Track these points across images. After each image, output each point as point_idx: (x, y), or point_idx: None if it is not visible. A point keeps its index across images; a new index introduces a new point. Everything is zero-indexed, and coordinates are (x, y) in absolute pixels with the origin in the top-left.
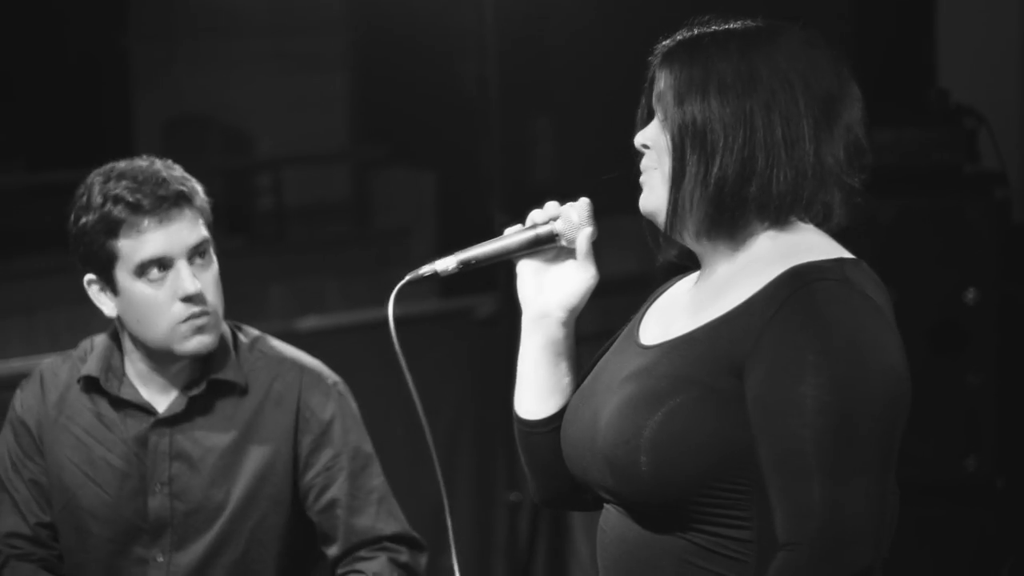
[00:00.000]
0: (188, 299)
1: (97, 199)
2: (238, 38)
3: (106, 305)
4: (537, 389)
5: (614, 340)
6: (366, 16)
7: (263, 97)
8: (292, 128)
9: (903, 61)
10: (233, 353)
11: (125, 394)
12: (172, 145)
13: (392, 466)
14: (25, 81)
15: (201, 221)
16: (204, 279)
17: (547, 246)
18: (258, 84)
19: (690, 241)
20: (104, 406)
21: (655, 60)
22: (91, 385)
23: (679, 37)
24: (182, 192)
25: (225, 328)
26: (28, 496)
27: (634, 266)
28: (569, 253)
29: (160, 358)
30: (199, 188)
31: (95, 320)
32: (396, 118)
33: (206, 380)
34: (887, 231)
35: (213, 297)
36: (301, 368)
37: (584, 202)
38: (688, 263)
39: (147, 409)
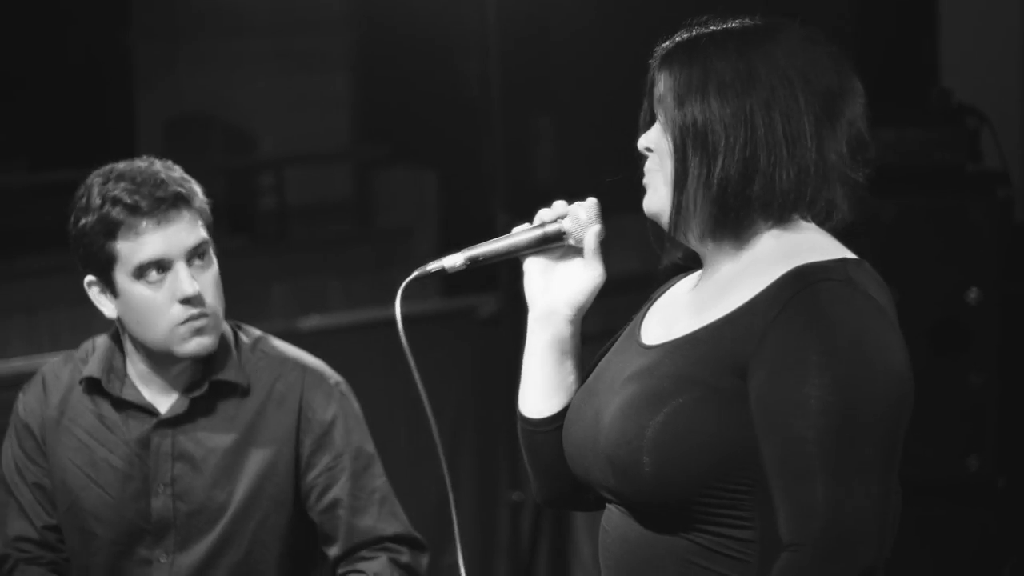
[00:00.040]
0: (187, 301)
1: (96, 200)
2: (240, 38)
3: (106, 307)
4: (542, 387)
5: (616, 339)
6: (368, 15)
7: (265, 96)
8: (294, 127)
9: (905, 60)
10: (235, 353)
11: (127, 395)
12: (174, 145)
13: (394, 465)
14: (27, 80)
15: (200, 222)
16: (203, 280)
17: (555, 245)
18: (260, 84)
19: (694, 242)
20: (106, 407)
21: (654, 63)
22: (93, 386)
23: (677, 39)
24: (180, 194)
25: (226, 328)
26: (32, 500)
27: (636, 266)
28: (577, 252)
29: (161, 359)
30: (198, 189)
31: (96, 320)
32: (398, 117)
33: (208, 381)
34: (889, 231)
35: (212, 298)
36: (303, 368)
37: (592, 201)
38: (692, 264)
39: (149, 410)
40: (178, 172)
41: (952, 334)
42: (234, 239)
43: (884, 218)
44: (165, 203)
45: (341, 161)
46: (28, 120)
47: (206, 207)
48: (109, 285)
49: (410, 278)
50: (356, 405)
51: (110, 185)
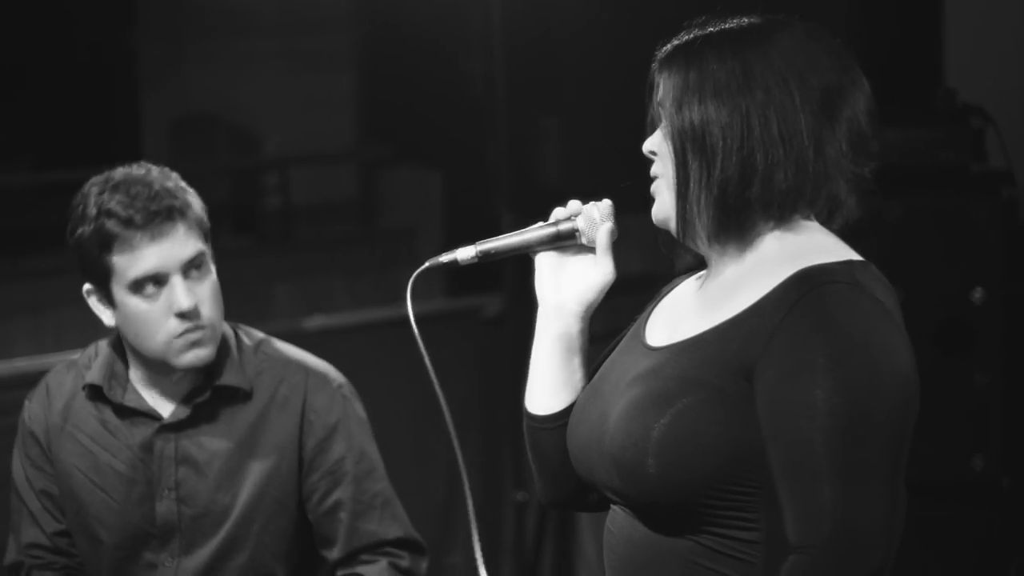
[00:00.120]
0: (183, 315)
1: (91, 210)
2: (245, 38)
3: (105, 315)
4: (548, 383)
5: (620, 340)
6: (373, 15)
7: (270, 96)
8: (299, 127)
9: (910, 60)
10: (236, 357)
11: (129, 401)
12: (179, 144)
13: (399, 465)
14: (33, 80)
15: (196, 233)
16: (200, 292)
17: (567, 242)
18: (265, 83)
19: (702, 246)
20: (108, 413)
21: (655, 66)
22: (95, 393)
23: (676, 41)
24: (175, 206)
25: (228, 331)
26: (41, 507)
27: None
28: (588, 250)
29: (160, 368)
30: (194, 200)
31: (100, 320)
32: (403, 117)
33: (210, 388)
34: (894, 230)
35: (209, 310)
36: (306, 370)
37: (607, 203)
38: (699, 266)
39: (151, 415)
40: (173, 182)
41: (957, 334)
42: (239, 239)
43: (889, 218)
44: (160, 216)
45: (346, 161)
46: (33, 120)
47: (203, 215)
48: (107, 295)
49: (421, 268)
50: (360, 408)
51: (106, 196)
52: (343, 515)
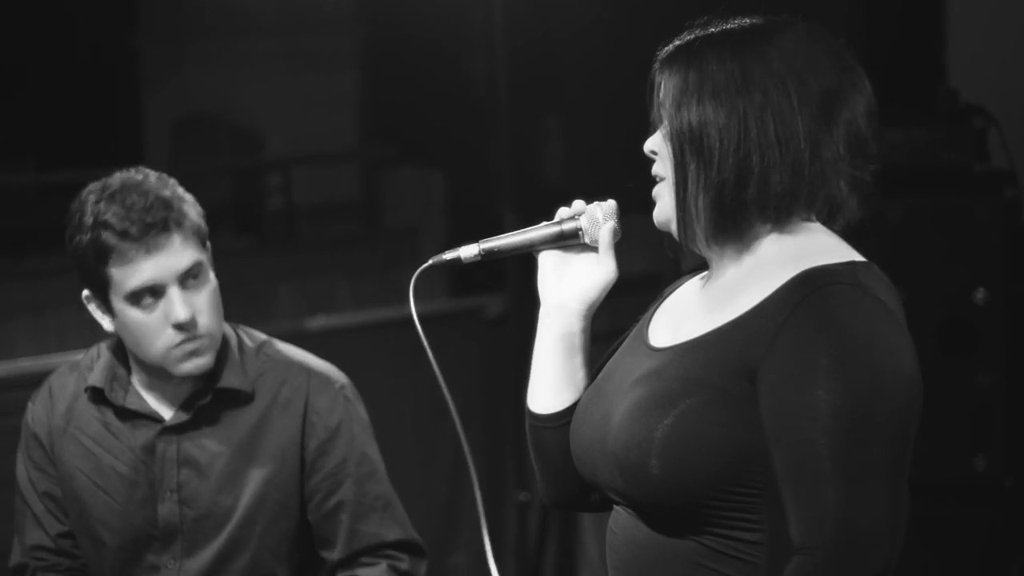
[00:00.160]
0: (180, 326)
1: (88, 219)
2: (247, 38)
3: (104, 321)
4: (550, 382)
5: (623, 340)
6: (375, 15)
7: (272, 96)
8: (301, 127)
9: (912, 60)
10: (238, 359)
11: (130, 404)
12: (181, 145)
13: (402, 465)
14: (35, 80)
15: (193, 242)
16: (198, 301)
17: (570, 242)
18: (267, 84)
19: (702, 247)
20: (110, 415)
21: (656, 66)
22: (97, 395)
23: (677, 42)
24: (171, 217)
25: (230, 333)
26: (44, 509)
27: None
28: (591, 249)
29: (160, 372)
30: (190, 209)
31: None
32: (405, 117)
33: (211, 391)
34: (896, 231)
35: (206, 319)
36: (309, 372)
37: (611, 203)
38: (702, 267)
39: (153, 417)
40: (170, 190)
41: (959, 334)
42: (241, 239)
43: (891, 218)
44: (155, 228)
45: (348, 161)
46: (35, 120)
47: (200, 222)
48: (105, 303)
49: (424, 266)
50: (362, 409)
51: (102, 206)
52: (344, 517)
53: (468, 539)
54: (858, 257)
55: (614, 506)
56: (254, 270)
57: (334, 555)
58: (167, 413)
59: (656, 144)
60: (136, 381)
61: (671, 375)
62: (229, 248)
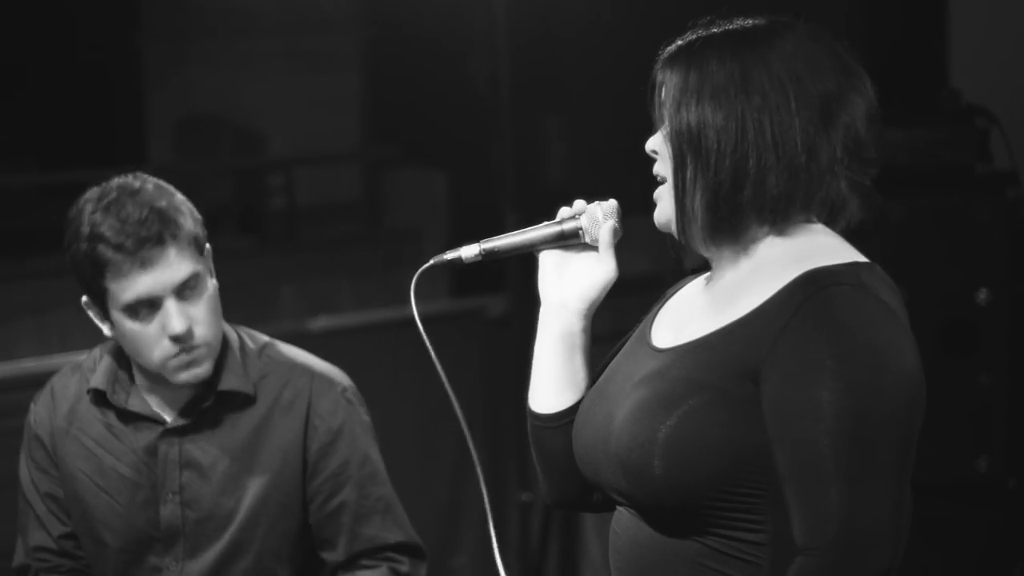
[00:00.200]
0: (176, 338)
1: (84, 229)
2: (249, 38)
3: (104, 326)
4: (551, 382)
5: (625, 341)
6: (377, 16)
7: (274, 97)
8: (303, 128)
9: (914, 61)
10: (240, 361)
11: (132, 406)
12: (183, 145)
13: (403, 465)
14: (37, 81)
15: (189, 253)
16: (195, 312)
17: (571, 241)
18: (269, 84)
19: (701, 248)
20: (113, 417)
21: (657, 66)
22: (99, 398)
23: (679, 41)
24: (166, 230)
25: (232, 334)
26: (46, 510)
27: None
28: (592, 248)
29: (161, 377)
30: (185, 220)
31: None
32: (407, 118)
33: (213, 393)
34: (898, 231)
35: (204, 329)
36: (311, 374)
37: (612, 203)
38: (705, 268)
39: (155, 419)
40: (167, 200)
41: (962, 335)
42: (243, 239)
43: (893, 218)
44: (150, 242)
45: (350, 161)
46: (37, 120)
47: (197, 231)
48: (103, 311)
49: (426, 266)
50: (364, 412)
51: (98, 216)
52: (345, 519)
53: (470, 540)
54: (861, 258)
55: (617, 507)
56: (256, 270)
57: (334, 556)
58: (169, 415)
59: (657, 144)
60: (138, 383)
61: (674, 376)
62: (231, 248)
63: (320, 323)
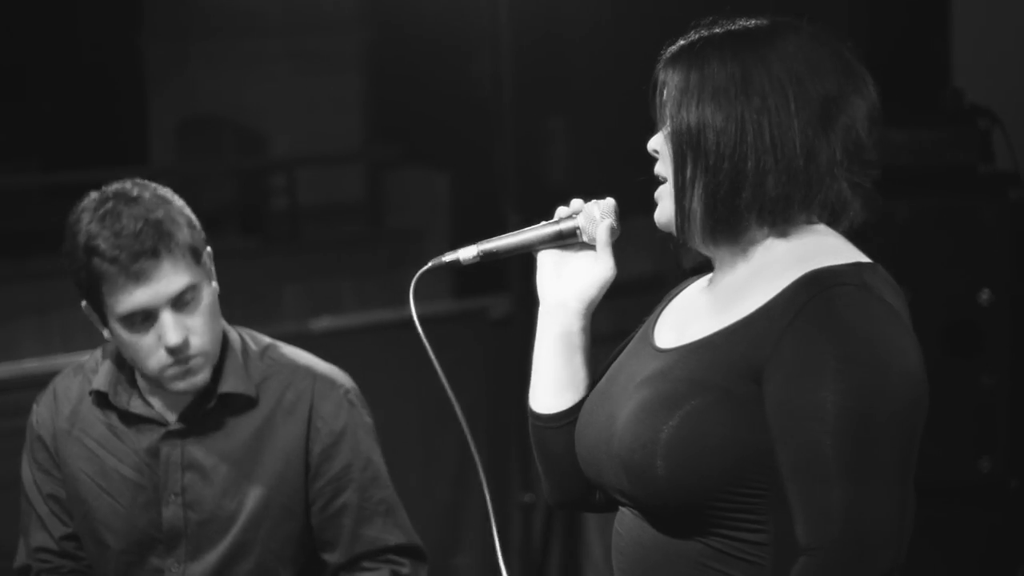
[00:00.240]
0: (171, 350)
1: (81, 239)
2: (252, 38)
3: (104, 331)
4: (552, 382)
5: (628, 342)
6: (380, 16)
7: (277, 97)
8: (306, 128)
9: (917, 61)
10: (242, 363)
11: (134, 408)
12: (186, 145)
13: (406, 466)
14: (40, 81)
15: (185, 264)
16: (191, 322)
17: (568, 241)
18: (272, 84)
19: (701, 247)
20: (115, 419)
21: (659, 66)
22: (102, 399)
23: (681, 42)
24: (160, 244)
25: (234, 336)
26: (48, 511)
27: (649, 267)
28: (590, 247)
29: (159, 383)
30: (181, 230)
31: None
32: (410, 118)
33: (216, 396)
34: (901, 231)
35: (199, 339)
36: (314, 376)
37: (610, 201)
38: (707, 268)
39: (158, 421)
40: (163, 210)
41: (964, 335)
42: (246, 240)
43: (896, 219)
44: (144, 255)
45: (353, 162)
46: (41, 121)
47: (194, 240)
48: (102, 318)
49: (424, 268)
50: (366, 414)
51: (94, 227)
52: (346, 521)
53: (472, 540)
54: (864, 258)
55: (619, 508)
56: (259, 271)
57: (335, 558)
58: (171, 417)
59: (658, 144)
60: (140, 385)
61: (676, 376)
62: (234, 249)
63: (322, 323)
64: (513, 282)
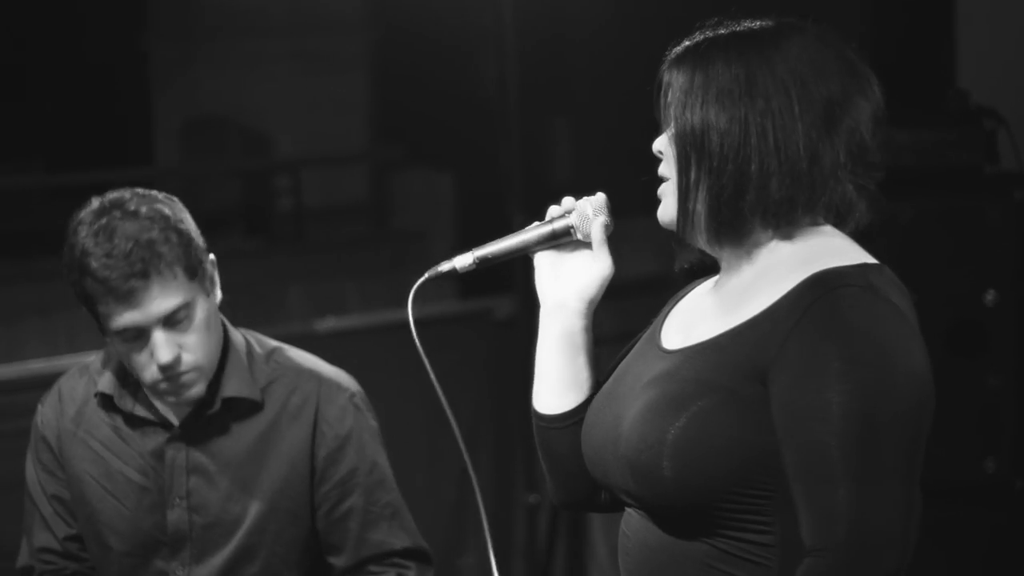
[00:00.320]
0: (163, 368)
1: (76, 254)
2: (256, 38)
3: (105, 338)
4: (555, 383)
5: (635, 343)
6: (385, 16)
7: (281, 98)
8: (310, 129)
9: (922, 61)
10: (246, 367)
11: (139, 411)
12: (190, 146)
13: (411, 467)
14: (44, 82)
15: (178, 283)
16: (185, 339)
17: (563, 240)
18: (276, 85)
19: (706, 248)
20: (120, 421)
21: (664, 66)
22: (107, 402)
23: (686, 42)
24: (150, 264)
25: (239, 339)
26: (52, 512)
27: (653, 267)
28: (586, 245)
29: (155, 395)
30: (175, 248)
31: None
32: (414, 119)
33: (219, 400)
34: (906, 232)
35: (193, 356)
36: (319, 379)
37: (600, 196)
38: (709, 268)
39: (163, 424)
40: (158, 228)
41: (969, 336)
42: (250, 241)
43: (901, 219)
44: (135, 277)
45: (357, 163)
46: (45, 121)
47: (190, 256)
48: (99, 327)
49: (421, 280)
50: (371, 417)
51: (88, 243)
52: (352, 524)
53: (478, 541)
54: (870, 259)
55: (626, 509)
56: (263, 272)
57: (341, 562)
58: (175, 420)
59: (663, 145)
60: (144, 388)
61: (683, 377)
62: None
63: (327, 324)
64: (517, 283)
